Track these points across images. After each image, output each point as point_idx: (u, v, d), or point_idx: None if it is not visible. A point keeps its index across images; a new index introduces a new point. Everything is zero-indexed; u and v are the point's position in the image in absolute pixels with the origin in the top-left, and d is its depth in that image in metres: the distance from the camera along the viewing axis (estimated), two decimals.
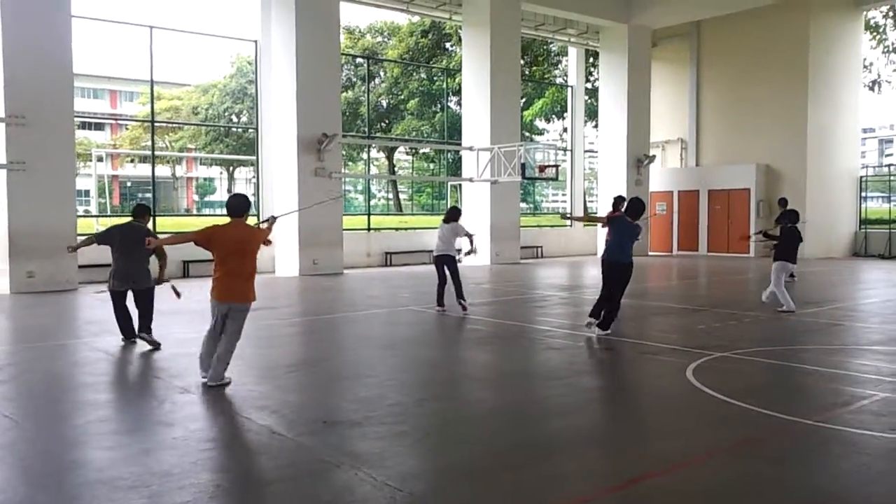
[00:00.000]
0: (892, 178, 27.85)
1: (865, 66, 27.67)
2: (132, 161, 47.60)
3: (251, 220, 7.27)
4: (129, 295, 8.93)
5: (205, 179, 53.02)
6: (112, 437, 5.32)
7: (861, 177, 25.83)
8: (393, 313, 11.85)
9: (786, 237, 11.91)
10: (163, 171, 42.49)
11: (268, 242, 7.26)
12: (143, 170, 46.72)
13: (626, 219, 9.57)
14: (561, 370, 7.75)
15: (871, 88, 28.78)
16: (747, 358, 8.04)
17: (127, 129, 44.77)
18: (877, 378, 7.09)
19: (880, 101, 35.86)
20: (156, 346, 8.59)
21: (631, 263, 9.41)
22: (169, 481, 4.40)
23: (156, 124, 20.87)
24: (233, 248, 6.65)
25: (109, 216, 27.56)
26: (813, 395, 6.59)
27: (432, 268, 12.12)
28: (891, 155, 63.83)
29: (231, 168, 47.14)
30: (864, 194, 25.62)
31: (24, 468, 4.77)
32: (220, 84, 38.78)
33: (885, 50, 29.06)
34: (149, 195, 44.79)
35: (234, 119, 39.50)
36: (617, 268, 9.34)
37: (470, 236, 12.06)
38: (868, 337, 9.45)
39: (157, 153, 21.01)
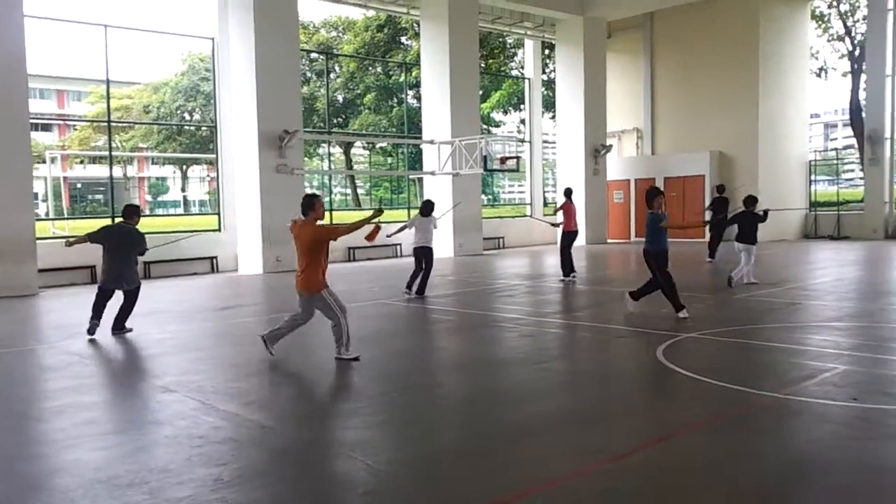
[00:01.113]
0: (838, 161, 28.78)
1: (812, 54, 28.49)
2: (82, 162, 46.64)
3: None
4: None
5: (157, 179, 52.20)
6: (102, 437, 5.35)
7: (810, 161, 26.63)
8: (363, 307, 11.93)
9: (741, 221, 12.87)
10: (114, 171, 41.63)
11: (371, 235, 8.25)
12: (93, 171, 45.78)
13: (651, 213, 9.98)
14: (536, 356, 7.95)
15: (818, 75, 29.67)
16: (713, 338, 8.33)
17: (76, 129, 43.83)
18: (836, 352, 7.43)
19: (824, 86, 37.08)
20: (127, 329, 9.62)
21: (660, 251, 9.79)
22: (167, 477, 4.46)
23: (110, 124, 20.53)
24: (297, 245, 7.49)
25: (66, 219, 27.06)
26: (778, 371, 6.88)
27: (397, 262, 12.36)
28: (835, 139, 65.63)
29: (185, 167, 46.52)
30: (812, 178, 26.41)
31: (16, 472, 4.78)
32: (172, 82, 38.20)
33: (830, 38, 29.96)
34: (100, 196, 44.10)
35: (187, 117, 38.99)
36: (654, 255, 9.83)
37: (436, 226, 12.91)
38: (825, 314, 9.84)
39: (113, 153, 20.66)
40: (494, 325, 9.92)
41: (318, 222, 7.55)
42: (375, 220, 7.87)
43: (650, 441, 4.97)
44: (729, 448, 4.81)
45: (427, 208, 12.74)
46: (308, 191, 31.11)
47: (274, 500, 4.14)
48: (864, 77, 26.48)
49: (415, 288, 12.45)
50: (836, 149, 37.06)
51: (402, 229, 12.71)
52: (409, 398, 6.37)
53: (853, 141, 31.32)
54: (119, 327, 9.51)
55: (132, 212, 9.64)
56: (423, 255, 12.49)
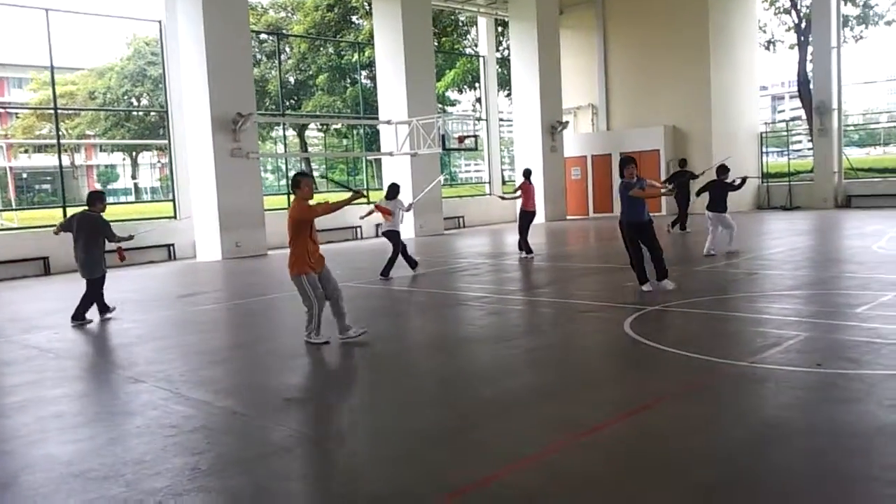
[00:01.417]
0: (788, 133, 29.35)
1: (760, 27, 28.93)
2: (26, 151, 45.29)
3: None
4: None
5: (106, 167, 50.95)
6: (72, 430, 5.23)
7: (761, 133, 27.12)
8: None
9: (711, 189, 13.23)
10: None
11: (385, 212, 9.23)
12: (38, 160, 44.48)
13: (622, 182, 9.76)
14: (504, 333, 7.99)
15: (767, 48, 30.16)
16: (677, 310, 8.46)
17: (18, 117, 42.47)
18: (797, 320, 7.61)
19: (771, 59, 37.90)
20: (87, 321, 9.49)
21: (634, 222, 9.70)
22: (143, 468, 4.39)
23: (57, 111, 19.91)
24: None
25: (15, 210, 26.32)
26: (743, 340, 7.02)
27: (356, 244, 12.34)
28: (783, 111, 66.87)
29: (134, 153, 45.46)
30: (764, 149, 26.91)
31: None
32: (118, 67, 37.23)
33: (777, 11, 30.45)
34: (47, 186, 42.85)
35: (135, 102, 38.07)
36: (632, 227, 9.71)
37: (409, 208, 13.13)
38: (783, 283, 10.06)
39: (58, 142, 20.08)
40: (460, 304, 9.94)
41: (308, 202, 7.33)
42: (355, 201, 7.74)
43: (624, 413, 5.04)
44: (700, 417, 4.91)
45: (392, 191, 12.74)
46: (263, 174, 30.78)
47: (254, 487, 4.10)
48: (810, 49, 26.99)
49: (393, 270, 12.57)
50: (784, 120, 37.80)
51: (371, 213, 12.63)
52: (381, 380, 6.35)
53: (801, 112, 31.98)
54: (79, 318, 9.33)
55: (95, 199, 9.51)
56: (390, 239, 12.53)
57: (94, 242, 9.31)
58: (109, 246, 9.62)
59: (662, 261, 9.74)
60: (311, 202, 7.38)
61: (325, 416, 5.42)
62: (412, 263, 12.81)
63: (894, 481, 3.73)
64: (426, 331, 8.69)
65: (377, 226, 23.12)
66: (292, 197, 7.54)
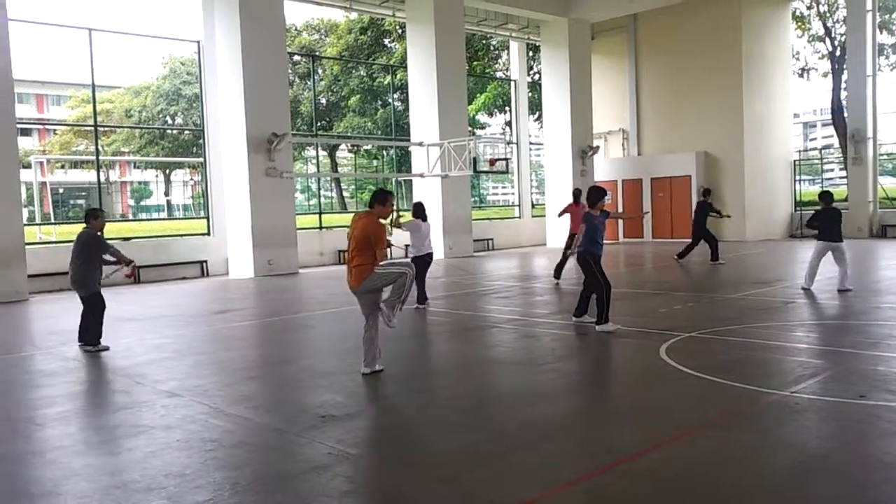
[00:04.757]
0: (822, 161, 29.10)
1: (794, 55, 28.79)
2: (63, 167, 46.21)
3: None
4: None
5: (140, 183, 51.79)
6: (113, 442, 5.29)
7: (794, 161, 26.89)
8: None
9: (821, 219, 11.85)
10: (94, 175, 41.11)
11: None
12: (74, 175, 45.32)
13: (587, 212, 9.29)
14: (541, 357, 7.95)
15: (801, 76, 30.01)
16: (714, 336, 8.38)
17: (56, 133, 43.35)
18: (836, 350, 7.50)
19: (803, 86, 37.65)
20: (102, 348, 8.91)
21: (588, 253, 9.13)
22: (184, 482, 4.42)
23: (93, 128, 20.31)
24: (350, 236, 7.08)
25: (54, 224, 26.85)
26: (782, 369, 6.93)
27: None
28: (815, 139, 66.34)
29: (168, 170, 46.18)
30: (798, 177, 26.67)
31: (29, 477, 4.73)
32: (154, 86, 37.94)
33: (810, 39, 30.32)
34: (81, 201, 43.61)
35: (169, 121, 38.72)
36: (582, 258, 9.21)
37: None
38: (821, 313, 9.94)
39: (97, 158, 20.45)
40: (496, 327, 9.91)
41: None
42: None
43: (665, 440, 4.99)
44: (742, 446, 4.84)
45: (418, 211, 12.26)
46: (298, 194, 31.04)
47: (295, 503, 4.11)
48: (844, 77, 26.78)
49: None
50: (816, 148, 37.54)
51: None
52: (417, 400, 6.36)
53: (833, 140, 31.70)
54: (94, 343, 8.92)
55: (90, 216, 9.08)
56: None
57: (87, 259, 8.88)
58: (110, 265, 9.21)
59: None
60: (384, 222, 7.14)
61: (363, 434, 5.42)
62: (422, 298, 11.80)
63: None
64: (460, 352, 8.68)
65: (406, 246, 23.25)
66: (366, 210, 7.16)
